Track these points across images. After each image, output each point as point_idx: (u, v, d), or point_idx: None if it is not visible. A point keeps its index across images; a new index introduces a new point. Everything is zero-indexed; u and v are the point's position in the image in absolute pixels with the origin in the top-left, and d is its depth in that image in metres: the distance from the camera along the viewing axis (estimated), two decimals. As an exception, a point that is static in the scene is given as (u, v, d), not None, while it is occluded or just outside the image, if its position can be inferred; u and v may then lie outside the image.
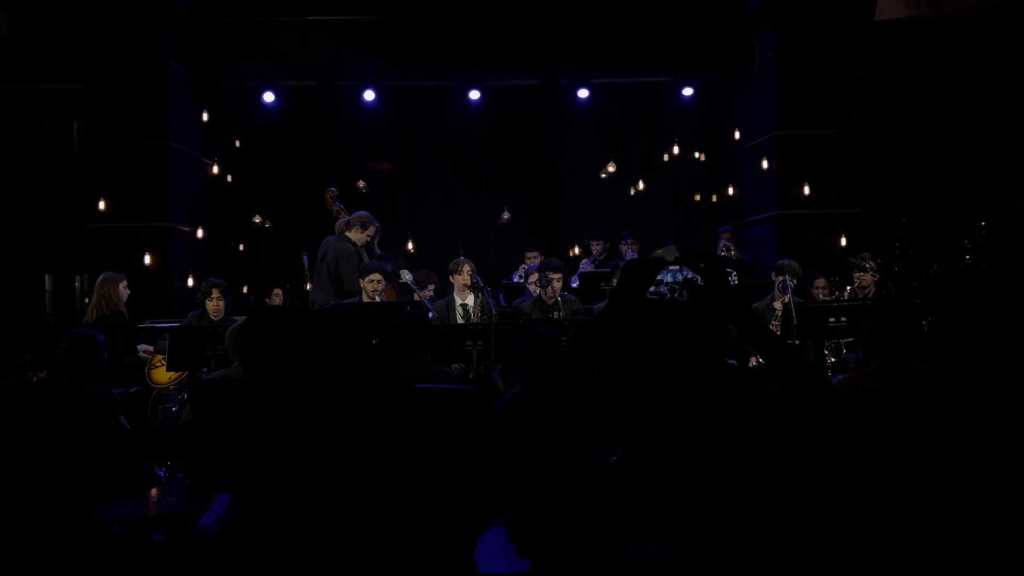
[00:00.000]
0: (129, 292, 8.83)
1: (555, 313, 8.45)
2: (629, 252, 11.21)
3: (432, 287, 9.34)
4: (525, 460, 4.37)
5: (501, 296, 10.12)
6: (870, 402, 3.24)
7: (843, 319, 7.90)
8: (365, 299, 8.47)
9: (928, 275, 10.71)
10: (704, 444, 2.65)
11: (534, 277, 8.92)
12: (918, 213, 11.56)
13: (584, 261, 11.41)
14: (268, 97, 12.02)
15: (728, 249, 10.92)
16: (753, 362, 8.14)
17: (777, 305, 8.70)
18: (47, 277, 12.33)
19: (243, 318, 7.85)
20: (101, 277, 8.80)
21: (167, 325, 8.69)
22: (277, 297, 10.97)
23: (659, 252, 9.23)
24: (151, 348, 8.61)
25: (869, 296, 8.69)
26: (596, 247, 11.60)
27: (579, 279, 10.07)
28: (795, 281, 8.76)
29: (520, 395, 4.94)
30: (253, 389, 3.45)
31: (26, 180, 11.99)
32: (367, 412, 3.18)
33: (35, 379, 8.01)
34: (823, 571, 2.59)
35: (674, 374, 2.75)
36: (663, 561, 2.76)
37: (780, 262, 9.03)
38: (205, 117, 11.96)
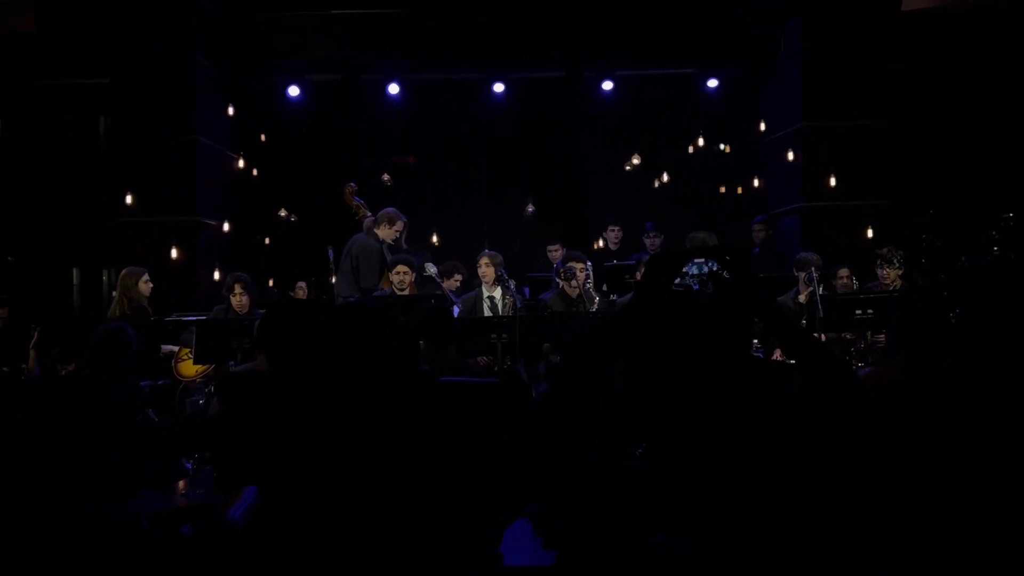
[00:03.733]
0: (152, 286, 8.88)
1: (579, 307, 8.46)
2: (654, 245, 11.16)
3: (459, 278, 9.37)
4: (556, 452, 4.37)
5: (527, 289, 10.12)
6: (893, 395, 3.22)
7: (869, 311, 7.87)
8: (396, 291, 8.55)
9: (956, 267, 10.64)
10: (708, 443, 2.64)
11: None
12: (945, 204, 11.48)
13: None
14: (293, 91, 12.05)
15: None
16: (778, 354, 8.12)
17: (803, 299, 8.67)
18: (74, 271, 12.42)
19: (269, 311, 7.91)
20: (123, 271, 8.86)
21: (194, 318, 8.74)
22: (301, 291, 11.02)
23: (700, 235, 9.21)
24: (175, 348, 8.66)
25: (895, 289, 8.64)
26: (613, 233, 11.59)
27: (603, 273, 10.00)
28: (819, 273, 8.73)
29: (559, 387, 4.92)
30: (274, 382, 3.47)
31: (52, 175, 12.07)
32: (378, 415, 3.18)
33: (63, 372, 8.07)
34: (822, 572, 2.59)
35: (688, 369, 2.74)
36: (686, 554, 2.76)
37: (800, 256, 9.01)
38: (231, 111, 12.01)
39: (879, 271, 8.81)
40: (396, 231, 9.35)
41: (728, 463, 2.62)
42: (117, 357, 5.65)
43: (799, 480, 2.59)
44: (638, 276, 8.91)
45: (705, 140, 12.86)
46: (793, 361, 2.83)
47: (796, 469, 2.60)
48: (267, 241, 12.49)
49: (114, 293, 9.08)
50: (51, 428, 4.30)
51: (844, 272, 9.20)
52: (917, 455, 2.68)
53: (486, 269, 8.84)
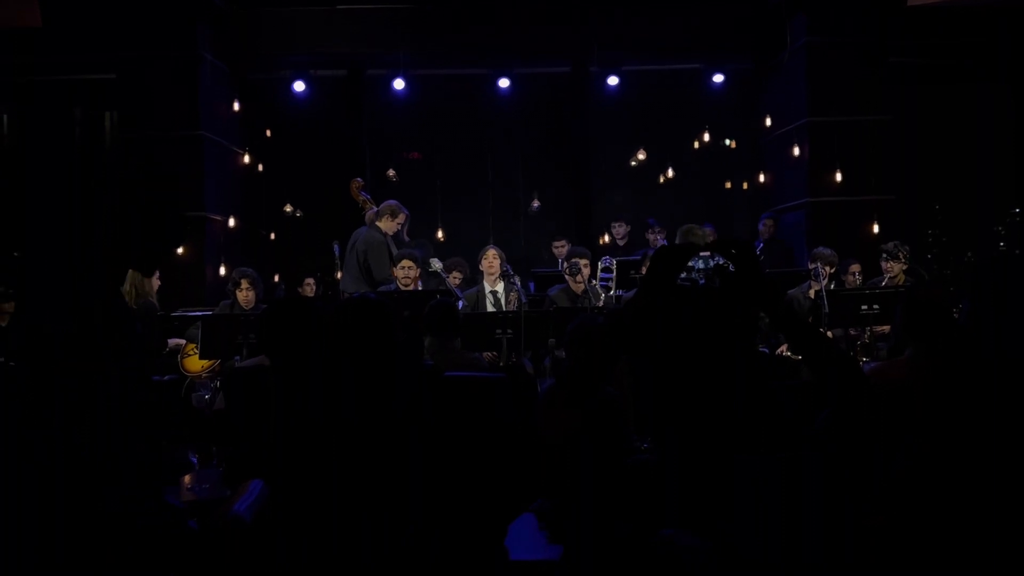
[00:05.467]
0: (160, 283, 8.89)
1: (585, 302, 8.45)
2: (658, 240, 11.16)
3: (458, 275, 9.36)
4: (564, 447, 4.38)
5: (532, 285, 10.12)
6: (901, 392, 3.22)
7: (875, 306, 7.88)
8: (400, 287, 8.54)
9: (963, 262, 10.64)
10: (735, 433, 2.64)
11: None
12: (951, 200, 11.47)
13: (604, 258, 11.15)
14: (299, 87, 12.05)
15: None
16: (783, 350, 8.12)
17: (812, 294, 8.68)
18: (81, 266, 12.44)
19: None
20: None
21: (200, 314, 8.75)
22: (309, 287, 11.03)
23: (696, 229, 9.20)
24: (182, 341, 8.67)
25: (900, 284, 8.64)
26: (619, 229, 11.59)
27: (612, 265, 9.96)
28: (828, 269, 8.73)
29: (562, 382, 4.95)
30: (276, 378, 3.48)
31: (60, 170, 12.07)
32: (383, 410, 3.17)
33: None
34: (830, 569, 2.58)
35: (703, 363, 2.74)
36: (696, 549, 2.76)
37: (815, 251, 9.01)
38: (236, 107, 12.01)
39: (883, 265, 8.82)
40: (398, 223, 9.34)
41: (748, 457, 2.62)
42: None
43: (805, 476, 2.58)
44: (643, 271, 8.91)
45: (711, 135, 12.86)
46: (799, 357, 2.83)
47: (802, 465, 2.60)
48: (272, 236, 12.50)
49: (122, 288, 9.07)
50: (57, 421, 4.30)
51: (855, 267, 9.20)
52: (924, 449, 2.68)
53: (493, 262, 8.82)
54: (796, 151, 11.49)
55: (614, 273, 9.07)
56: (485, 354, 7.75)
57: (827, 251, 8.88)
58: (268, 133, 12.53)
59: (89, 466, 2.91)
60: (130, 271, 8.83)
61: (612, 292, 9.02)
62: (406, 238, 9.62)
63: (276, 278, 11.74)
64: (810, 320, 8.17)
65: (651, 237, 11.27)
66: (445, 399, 3.32)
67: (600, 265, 9.31)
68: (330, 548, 3.04)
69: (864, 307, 7.94)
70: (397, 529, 3.05)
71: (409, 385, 3.25)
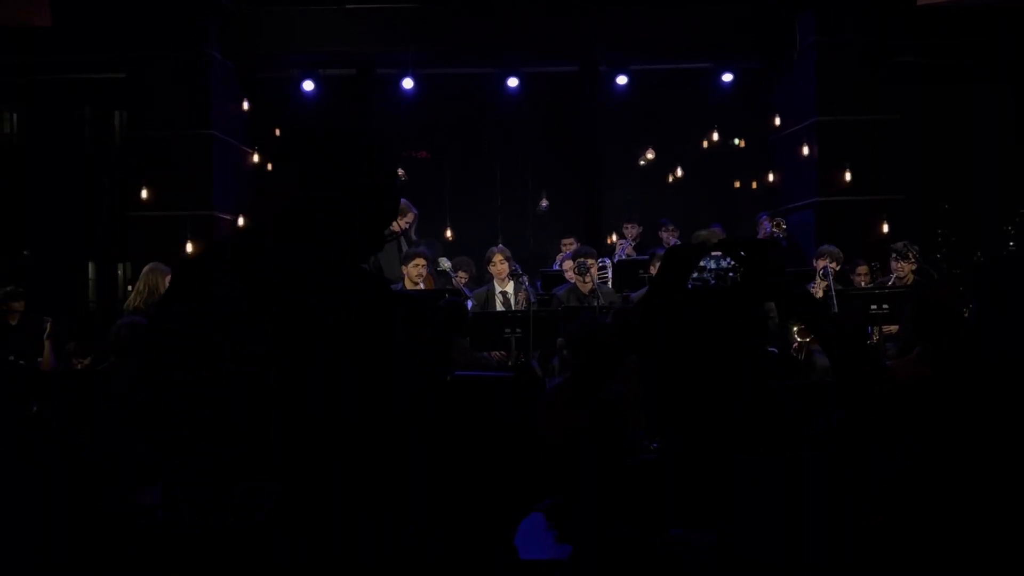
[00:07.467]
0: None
1: (593, 302, 8.46)
2: (671, 240, 11.15)
3: (464, 275, 9.36)
4: (569, 447, 4.38)
5: (539, 284, 10.12)
6: (908, 391, 3.21)
7: (885, 306, 7.86)
8: (409, 285, 8.53)
9: (972, 262, 10.61)
10: (736, 433, 2.63)
11: (568, 264, 8.94)
12: (960, 199, 11.43)
13: (622, 242, 11.24)
14: (308, 86, 12.05)
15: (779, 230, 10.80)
16: (796, 346, 8.11)
17: (818, 292, 8.66)
18: (90, 265, 12.47)
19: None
20: (149, 267, 8.79)
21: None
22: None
23: (702, 234, 9.19)
24: None
25: (909, 284, 8.62)
26: (631, 230, 11.58)
27: (617, 268, 9.98)
28: (836, 267, 8.71)
29: (568, 382, 4.95)
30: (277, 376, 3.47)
31: (68, 169, 12.12)
32: (390, 408, 3.16)
33: (79, 366, 8.09)
34: (838, 567, 2.58)
35: (710, 363, 2.73)
36: (706, 548, 2.75)
37: (821, 248, 9.00)
38: (246, 106, 12.03)
39: (893, 264, 8.80)
40: (407, 222, 9.34)
41: (748, 457, 2.61)
42: (137, 349, 5.67)
43: (805, 476, 2.58)
44: (652, 271, 8.91)
45: (719, 135, 12.83)
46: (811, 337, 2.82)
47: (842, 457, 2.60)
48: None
49: (129, 287, 9.09)
50: (70, 418, 4.31)
51: (862, 269, 9.19)
52: (932, 449, 2.66)
53: (500, 266, 8.83)
54: (805, 150, 11.46)
55: (608, 271, 9.09)
56: (494, 353, 7.76)
57: (833, 248, 8.87)
58: (277, 132, 12.54)
59: (89, 466, 2.91)
60: (146, 270, 8.80)
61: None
62: (414, 237, 9.62)
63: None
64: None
65: (664, 236, 11.25)
66: (446, 398, 3.32)
67: (597, 264, 9.31)
68: (330, 548, 3.04)
69: (873, 307, 7.92)
70: (397, 529, 3.04)
71: (410, 384, 3.25)
